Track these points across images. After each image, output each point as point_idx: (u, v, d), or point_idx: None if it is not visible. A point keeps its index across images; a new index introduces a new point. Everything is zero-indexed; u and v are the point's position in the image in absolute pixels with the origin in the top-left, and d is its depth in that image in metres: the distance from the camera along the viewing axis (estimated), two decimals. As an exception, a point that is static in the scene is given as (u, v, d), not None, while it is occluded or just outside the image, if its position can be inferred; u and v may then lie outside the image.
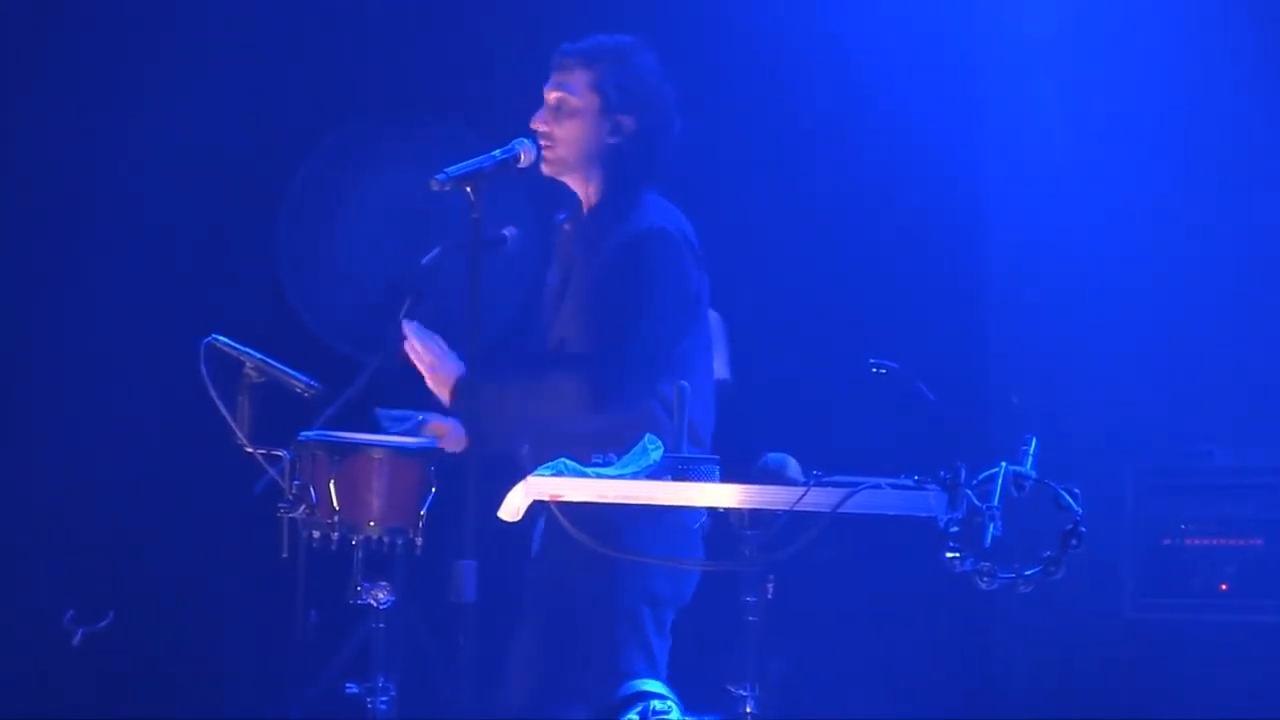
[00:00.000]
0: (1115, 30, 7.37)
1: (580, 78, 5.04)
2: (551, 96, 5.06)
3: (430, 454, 4.88)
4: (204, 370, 4.81)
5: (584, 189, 5.10)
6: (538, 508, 4.41)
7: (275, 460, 4.83)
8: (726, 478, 4.43)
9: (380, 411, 5.05)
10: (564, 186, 5.16)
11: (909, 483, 4.24)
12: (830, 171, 7.33)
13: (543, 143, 5.01)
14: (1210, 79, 7.23)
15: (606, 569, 4.83)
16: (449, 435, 5.05)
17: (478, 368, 4.77)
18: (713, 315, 6.75)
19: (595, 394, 4.82)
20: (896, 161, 7.30)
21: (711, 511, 4.68)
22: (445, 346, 4.98)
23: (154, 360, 6.75)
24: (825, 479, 4.28)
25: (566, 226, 5.15)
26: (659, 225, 4.96)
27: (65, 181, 7.18)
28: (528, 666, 5.02)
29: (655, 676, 4.80)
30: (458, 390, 4.90)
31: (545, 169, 5.05)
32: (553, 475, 4.38)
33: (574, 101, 5.02)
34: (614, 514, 4.65)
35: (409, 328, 4.97)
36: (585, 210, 5.14)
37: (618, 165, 5.04)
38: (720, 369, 6.78)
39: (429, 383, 5.00)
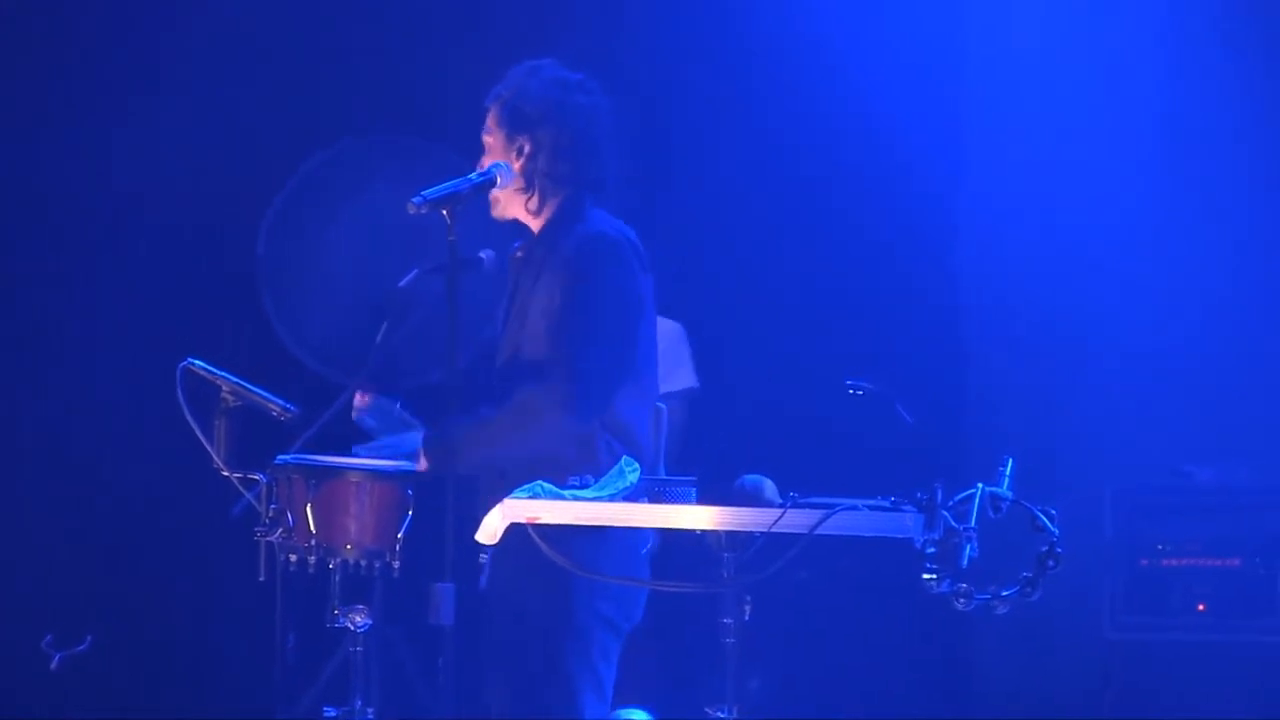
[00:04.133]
0: (1102, 42, 7.40)
1: (490, 120, 5.03)
2: (485, 139, 5.03)
3: (408, 477, 4.85)
4: (180, 394, 4.79)
5: (531, 220, 5.08)
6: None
7: (252, 484, 4.80)
8: (703, 499, 4.43)
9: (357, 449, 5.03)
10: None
11: (886, 504, 4.25)
12: (809, 192, 7.35)
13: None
14: (1192, 92, 7.26)
15: (560, 589, 4.79)
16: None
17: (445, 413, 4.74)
18: (672, 325, 6.79)
19: (564, 400, 4.73)
20: (875, 185, 7.32)
21: (688, 533, 4.66)
22: (390, 444, 4.95)
23: (131, 384, 6.74)
24: (802, 500, 4.29)
25: (519, 254, 5.14)
26: (599, 230, 4.95)
27: (39, 207, 7.19)
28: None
29: (601, 700, 4.77)
30: (428, 450, 4.86)
31: (493, 213, 5.00)
32: (530, 498, 4.39)
33: (488, 140, 5.02)
34: (569, 538, 4.62)
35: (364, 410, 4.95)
36: (537, 240, 5.12)
37: (541, 184, 5.01)
38: (687, 377, 6.80)
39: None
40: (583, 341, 4.80)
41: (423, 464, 4.82)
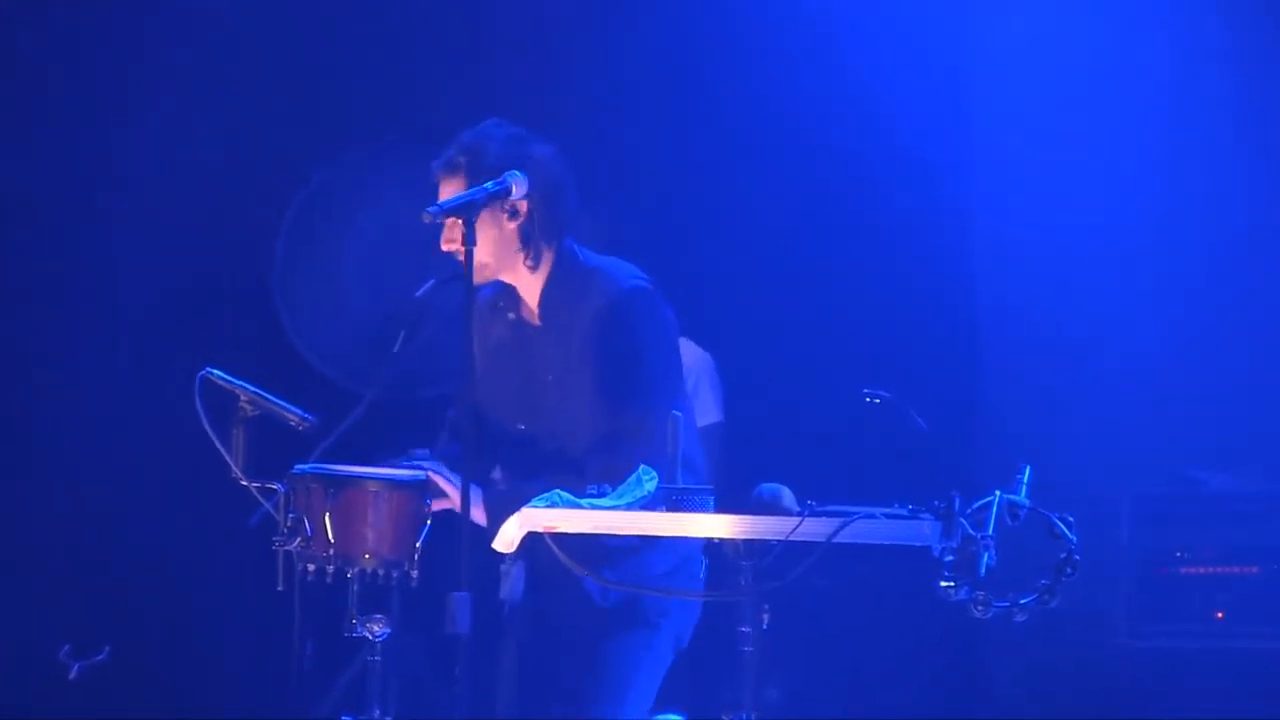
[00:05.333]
0: (1116, 51, 7.38)
1: (453, 185, 4.95)
2: (441, 220, 4.85)
3: (425, 486, 4.87)
4: (199, 404, 4.79)
5: (523, 280, 5.05)
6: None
7: (270, 493, 4.81)
8: (721, 508, 4.43)
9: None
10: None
11: (903, 512, 4.25)
12: (825, 201, 7.33)
13: (463, 260, 4.80)
14: (1209, 99, 7.24)
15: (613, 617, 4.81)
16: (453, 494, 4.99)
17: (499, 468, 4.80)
18: (702, 354, 6.77)
19: (636, 467, 4.63)
20: (890, 193, 7.30)
21: (706, 542, 4.67)
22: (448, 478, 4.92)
23: (149, 393, 6.75)
24: (820, 509, 4.29)
25: (511, 316, 5.09)
26: (630, 284, 4.95)
27: (55, 214, 7.20)
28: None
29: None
30: (490, 510, 4.83)
31: (477, 279, 4.83)
32: (548, 507, 4.39)
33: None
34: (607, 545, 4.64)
35: (433, 471, 4.93)
36: (533, 297, 5.08)
37: (534, 239, 4.98)
38: (713, 411, 6.78)
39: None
40: (649, 406, 4.82)
41: (482, 518, 4.79)
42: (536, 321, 5.08)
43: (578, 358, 4.93)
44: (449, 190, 4.95)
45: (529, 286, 5.06)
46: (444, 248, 4.90)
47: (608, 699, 4.87)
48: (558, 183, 5.01)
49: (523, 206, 4.96)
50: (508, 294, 5.11)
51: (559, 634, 4.97)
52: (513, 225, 4.97)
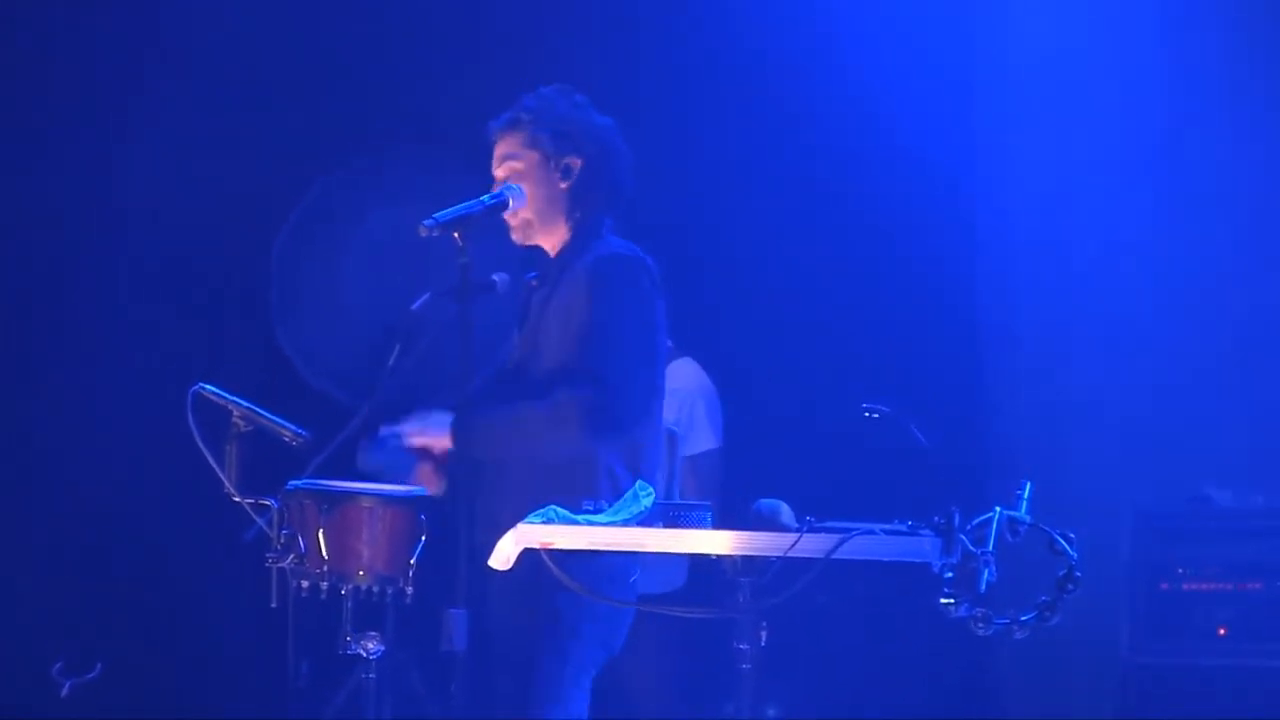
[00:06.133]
0: (1127, 65, 7.38)
1: (514, 142, 5.04)
2: (499, 173, 5.05)
3: (421, 501, 4.85)
4: (191, 419, 4.77)
5: (553, 242, 5.08)
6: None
7: (263, 509, 4.79)
8: (719, 524, 4.40)
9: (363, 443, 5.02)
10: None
11: (903, 528, 4.24)
12: (827, 213, 7.32)
13: (508, 217, 5.00)
14: (1207, 107, 7.23)
15: (550, 608, 4.78)
16: (429, 476, 4.99)
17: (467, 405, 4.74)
18: (703, 379, 6.74)
19: (598, 411, 4.75)
20: (892, 206, 7.29)
21: (703, 558, 4.64)
22: (419, 415, 4.95)
23: (142, 408, 6.72)
24: (818, 525, 4.26)
25: (534, 284, 5.13)
26: (618, 251, 4.96)
27: (47, 229, 7.19)
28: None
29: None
30: (456, 432, 4.84)
31: (515, 237, 5.04)
32: (543, 523, 4.36)
33: (518, 166, 5.01)
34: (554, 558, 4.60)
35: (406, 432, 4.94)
36: (552, 258, 5.12)
37: (579, 203, 5.04)
38: (709, 438, 6.74)
39: (432, 447, 4.95)
40: (615, 358, 4.83)
41: (445, 442, 4.83)
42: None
43: (559, 309, 4.94)
44: (506, 148, 5.04)
45: (552, 249, 5.10)
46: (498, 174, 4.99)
47: (535, 704, 4.82)
48: (614, 152, 5.07)
49: (576, 165, 5.02)
50: (540, 264, 5.13)
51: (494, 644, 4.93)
52: (564, 185, 5.03)
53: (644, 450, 4.87)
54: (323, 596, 4.76)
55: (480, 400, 4.76)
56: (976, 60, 7.55)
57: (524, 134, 5.03)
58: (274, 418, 4.89)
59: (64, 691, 6.50)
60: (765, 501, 4.39)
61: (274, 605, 4.77)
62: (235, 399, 4.86)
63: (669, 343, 5.69)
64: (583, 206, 5.04)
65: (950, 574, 4.06)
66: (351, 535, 4.76)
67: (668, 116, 7.29)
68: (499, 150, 5.08)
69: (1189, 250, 7.25)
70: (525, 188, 5.01)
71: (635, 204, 5.12)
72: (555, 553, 4.39)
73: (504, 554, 4.39)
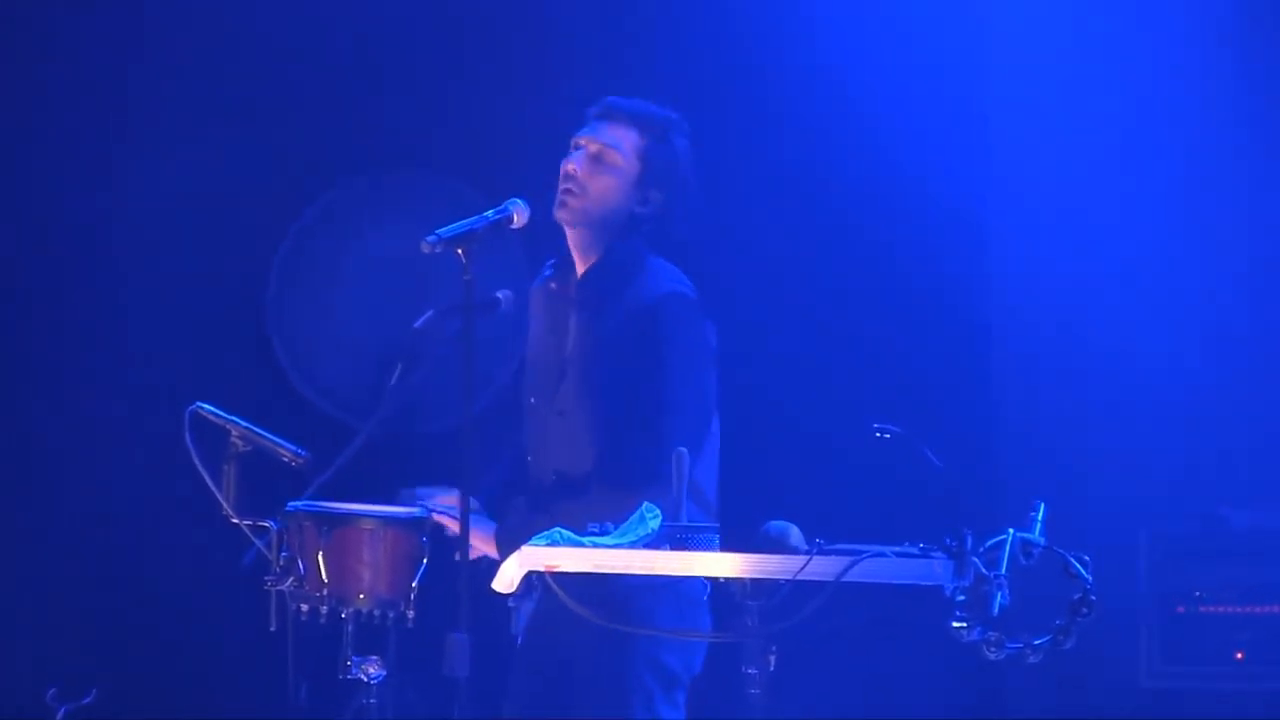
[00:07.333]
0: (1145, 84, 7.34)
1: (628, 137, 4.98)
2: (593, 146, 4.97)
3: (422, 524, 4.80)
4: (189, 439, 4.73)
5: (586, 248, 5.01)
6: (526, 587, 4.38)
7: (262, 531, 4.74)
8: (727, 546, 4.36)
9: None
10: (557, 237, 5.07)
11: (914, 550, 4.20)
12: (839, 229, 7.28)
13: (568, 187, 4.92)
14: (1224, 127, 7.19)
15: (614, 643, 4.72)
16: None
17: (509, 502, 4.82)
18: None
19: (653, 477, 4.66)
20: (905, 223, 7.25)
21: (712, 581, 4.58)
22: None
23: (140, 427, 6.71)
24: (828, 547, 4.23)
25: (553, 285, 5.06)
26: (673, 289, 4.90)
27: (45, 247, 7.18)
28: None
29: None
30: (501, 543, 4.81)
31: (561, 214, 4.95)
32: (548, 545, 4.31)
33: (617, 159, 4.96)
34: (619, 584, 4.58)
35: (436, 508, 4.89)
36: (580, 269, 5.04)
37: (633, 234, 4.98)
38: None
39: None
40: (668, 412, 4.80)
41: (495, 552, 4.78)
42: (573, 293, 5.04)
43: (607, 350, 4.89)
44: (615, 135, 4.98)
45: (585, 257, 5.02)
46: (567, 168, 4.94)
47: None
48: (687, 209, 5.02)
49: (656, 199, 4.98)
50: (561, 268, 5.07)
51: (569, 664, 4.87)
52: (635, 208, 4.98)
53: (704, 486, 4.88)
54: (323, 620, 4.71)
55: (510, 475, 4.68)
56: (991, 82, 7.51)
57: (641, 138, 4.99)
58: (273, 437, 4.83)
59: (58, 717, 6.46)
60: (774, 523, 4.33)
61: (273, 629, 4.72)
62: (234, 418, 4.81)
63: None
64: (633, 239, 4.98)
65: (962, 597, 4.03)
66: (352, 558, 4.71)
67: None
68: (607, 129, 5.00)
69: (1205, 269, 7.21)
70: (607, 181, 4.94)
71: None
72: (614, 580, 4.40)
73: (508, 577, 4.33)
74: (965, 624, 4.02)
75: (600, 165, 4.96)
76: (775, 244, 7.28)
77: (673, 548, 4.35)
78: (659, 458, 4.61)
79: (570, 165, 4.97)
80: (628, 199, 4.96)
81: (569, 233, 5.04)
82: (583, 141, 5.00)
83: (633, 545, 4.34)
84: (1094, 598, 4.07)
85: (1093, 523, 6.45)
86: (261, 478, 4.82)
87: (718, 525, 4.53)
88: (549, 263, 5.11)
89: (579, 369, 4.93)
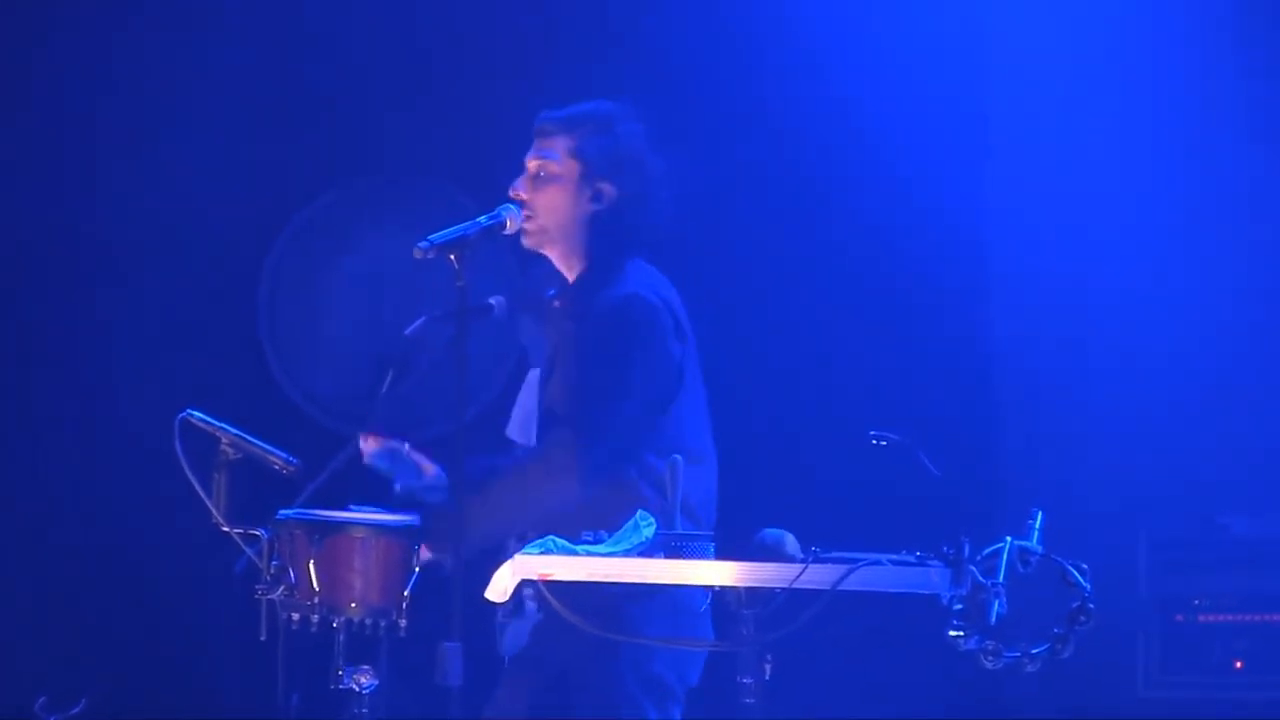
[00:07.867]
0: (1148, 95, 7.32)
1: (560, 144, 4.95)
2: (532, 164, 4.97)
3: (414, 532, 4.77)
4: (178, 446, 4.70)
5: (566, 261, 5.00)
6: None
7: (252, 540, 4.72)
8: (722, 555, 4.35)
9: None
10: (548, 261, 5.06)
11: (911, 559, 4.20)
12: (836, 236, 7.27)
13: (524, 212, 4.91)
14: (1225, 133, 7.19)
15: (603, 653, 4.70)
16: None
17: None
18: None
19: (572, 467, 4.68)
20: (902, 231, 7.24)
21: (712, 591, 4.56)
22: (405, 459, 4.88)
23: (130, 434, 6.70)
24: (824, 555, 4.22)
25: (557, 304, 5.04)
26: (635, 291, 4.88)
27: (36, 256, 7.18)
28: None
29: None
30: (430, 540, 4.75)
31: (526, 241, 4.96)
32: (541, 554, 4.31)
33: (554, 168, 4.94)
34: (609, 592, 4.53)
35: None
36: (570, 283, 5.02)
37: (600, 234, 4.96)
38: None
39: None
40: (599, 407, 4.76)
41: (425, 554, 4.74)
42: (566, 305, 5.04)
43: (576, 350, 4.87)
44: (549, 145, 4.95)
45: (570, 270, 5.01)
46: (513, 194, 4.92)
47: None
48: (652, 196, 4.98)
49: (609, 193, 4.93)
50: (560, 287, 5.05)
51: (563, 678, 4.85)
52: (591, 209, 4.94)
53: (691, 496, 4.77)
54: (314, 630, 4.68)
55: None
56: (990, 87, 7.49)
57: (572, 139, 4.95)
58: (264, 445, 4.81)
59: (47, 728, 6.47)
60: (769, 531, 4.33)
61: (264, 639, 4.69)
62: (224, 425, 4.78)
63: None
64: (603, 238, 4.95)
65: (960, 606, 4.04)
66: (343, 566, 4.68)
67: (666, 141, 7.23)
68: (541, 143, 4.98)
69: (1204, 275, 7.20)
70: (552, 193, 4.92)
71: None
72: (607, 589, 4.37)
73: (501, 585, 4.33)
74: (962, 633, 4.01)
75: (539, 180, 4.94)
76: (772, 251, 7.28)
77: (667, 556, 4.33)
78: (582, 448, 4.66)
79: (516, 189, 4.96)
80: (577, 201, 4.93)
81: (549, 255, 5.03)
82: (526, 163, 5.00)
83: (626, 553, 4.32)
84: (1092, 606, 4.07)
85: (1091, 531, 6.44)
86: (252, 485, 4.81)
87: (712, 533, 4.51)
88: (552, 291, 5.10)
89: (561, 370, 4.92)
